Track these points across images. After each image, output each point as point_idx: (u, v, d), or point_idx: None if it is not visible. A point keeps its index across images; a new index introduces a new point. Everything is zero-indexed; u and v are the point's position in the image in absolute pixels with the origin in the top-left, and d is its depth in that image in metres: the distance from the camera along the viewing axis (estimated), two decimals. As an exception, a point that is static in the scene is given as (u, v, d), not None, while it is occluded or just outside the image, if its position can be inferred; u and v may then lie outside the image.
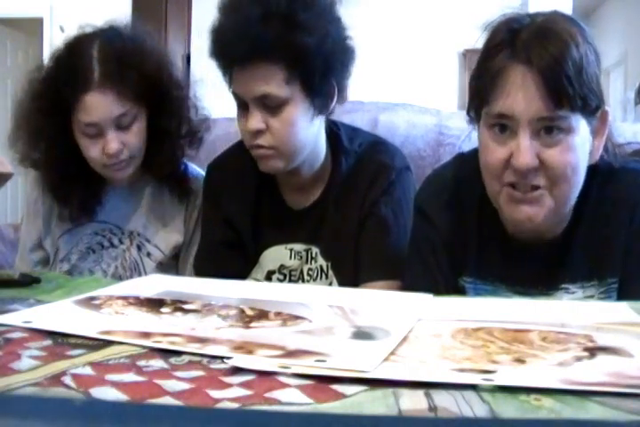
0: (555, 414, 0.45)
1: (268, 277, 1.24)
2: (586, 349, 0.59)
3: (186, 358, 0.57)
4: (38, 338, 0.62)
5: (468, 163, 1.06)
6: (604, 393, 0.48)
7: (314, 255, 1.22)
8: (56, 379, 0.51)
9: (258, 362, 0.54)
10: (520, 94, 0.90)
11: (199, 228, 1.33)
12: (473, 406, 0.46)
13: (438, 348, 0.60)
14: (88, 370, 0.53)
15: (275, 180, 1.25)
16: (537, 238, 1.01)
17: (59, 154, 1.27)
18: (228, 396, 0.47)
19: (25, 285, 0.89)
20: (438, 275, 1.06)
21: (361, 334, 0.64)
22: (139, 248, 1.35)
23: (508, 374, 0.52)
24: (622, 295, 0.97)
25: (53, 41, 5.26)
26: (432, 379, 0.50)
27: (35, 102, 1.25)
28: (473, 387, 0.49)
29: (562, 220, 1.00)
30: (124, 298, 0.79)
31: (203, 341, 0.61)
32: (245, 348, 0.58)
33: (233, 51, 1.09)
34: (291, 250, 1.23)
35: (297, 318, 0.70)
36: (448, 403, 0.46)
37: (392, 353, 0.58)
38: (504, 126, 0.93)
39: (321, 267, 1.22)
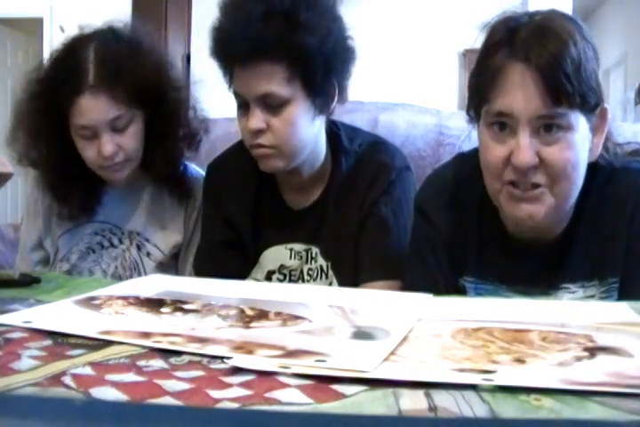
0: (555, 414, 0.45)
1: (268, 277, 1.23)
2: (586, 349, 0.59)
3: (186, 358, 0.57)
4: (38, 338, 0.62)
5: (468, 163, 1.06)
6: (604, 393, 0.48)
7: (314, 255, 1.22)
8: (56, 379, 0.51)
9: (258, 362, 0.54)
10: (519, 92, 0.90)
11: (199, 228, 1.33)
12: (473, 406, 0.46)
13: (438, 348, 0.60)
14: (88, 370, 0.53)
15: (275, 180, 1.25)
16: (537, 238, 1.01)
17: (58, 154, 1.27)
18: (228, 396, 0.47)
19: (25, 285, 0.89)
20: (438, 275, 1.06)
21: (361, 334, 0.64)
22: (138, 248, 1.35)
23: (508, 374, 0.52)
24: (623, 295, 0.96)
25: (53, 41, 5.26)
26: (432, 379, 0.50)
27: (33, 102, 1.25)
28: (473, 387, 0.49)
29: (562, 218, 1.00)
30: (124, 298, 0.79)
31: (203, 341, 0.61)
32: (245, 348, 0.58)
33: (234, 49, 1.08)
34: (291, 250, 1.23)
35: (297, 318, 0.70)
36: (448, 403, 0.46)
37: (392, 353, 0.58)
38: (503, 125, 0.93)
39: (321, 267, 1.22)
